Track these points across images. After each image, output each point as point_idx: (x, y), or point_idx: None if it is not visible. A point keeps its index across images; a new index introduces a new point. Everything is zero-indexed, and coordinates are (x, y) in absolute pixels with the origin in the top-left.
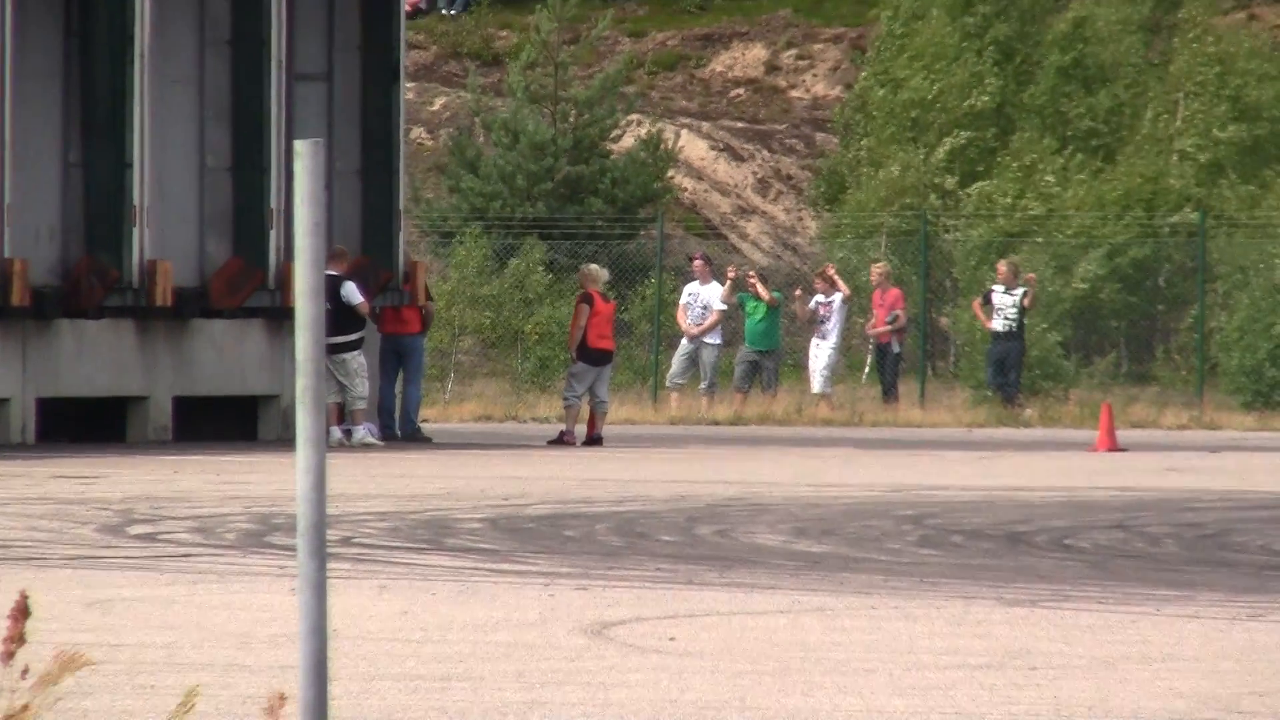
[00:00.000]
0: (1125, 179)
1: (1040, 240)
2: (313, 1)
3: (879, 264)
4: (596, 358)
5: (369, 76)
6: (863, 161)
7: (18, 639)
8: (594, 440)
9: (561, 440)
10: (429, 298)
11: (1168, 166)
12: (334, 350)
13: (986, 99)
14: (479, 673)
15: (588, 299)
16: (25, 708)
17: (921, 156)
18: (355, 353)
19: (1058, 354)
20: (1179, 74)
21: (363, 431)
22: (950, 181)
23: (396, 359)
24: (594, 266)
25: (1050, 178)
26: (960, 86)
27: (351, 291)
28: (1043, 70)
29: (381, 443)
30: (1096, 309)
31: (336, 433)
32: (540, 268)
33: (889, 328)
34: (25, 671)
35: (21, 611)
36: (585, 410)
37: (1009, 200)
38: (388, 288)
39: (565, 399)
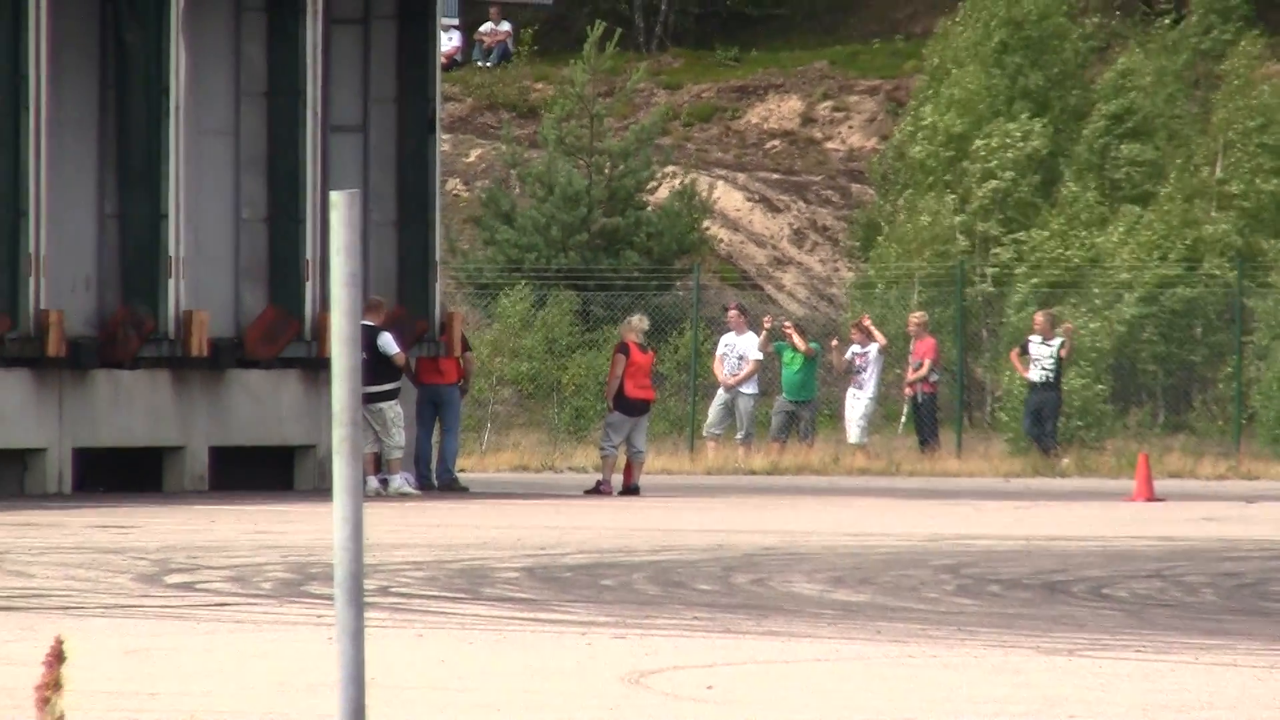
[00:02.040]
0: (1162, 225)
1: (1081, 291)
2: (348, 53)
3: (916, 314)
4: (633, 408)
5: (405, 128)
6: (899, 210)
7: (53, 685)
8: (631, 490)
9: (598, 490)
10: (467, 348)
11: (1207, 215)
12: (370, 400)
13: (1036, 144)
14: None
15: (624, 349)
16: None
17: (956, 200)
18: (392, 402)
19: (1099, 402)
20: (1220, 125)
21: (400, 481)
22: (991, 228)
23: (433, 409)
24: (635, 317)
25: (1090, 231)
26: (1005, 135)
27: (388, 342)
28: (1088, 120)
29: (418, 492)
30: (1134, 358)
31: (373, 482)
32: (569, 318)
33: (916, 376)
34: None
35: (56, 657)
36: (623, 460)
37: (1055, 250)
38: (424, 339)
39: (602, 449)
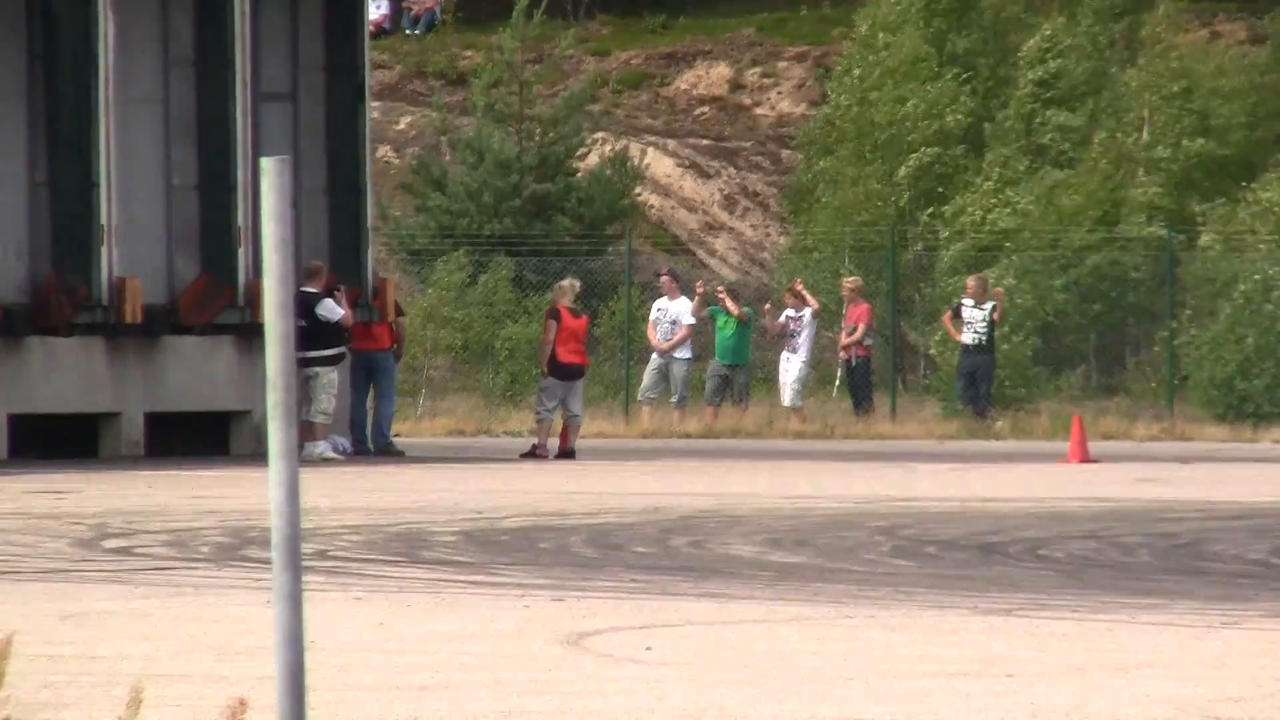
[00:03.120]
0: (1084, 187)
1: (1009, 255)
2: (276, 21)
3: (850, 279)
4: (566, 372)
5: (334, 96)
6: (828, 178)
7: None
8: (567, 454)
9: (534, 454)
10: (400, 313)
11: (1131, 179)
12: (308, 364)
13: (960, 118)
14: (456, 683)
15: (556, 314)
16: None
17: (885, 173)
18: (330, 368)
19: (1027, 363)
20: (1143, 89)
21: (324, 446)
22: (915, 196)
23: (367, 374)
24: (567, 281)
25: (1018, 195)
26: (932, 105)
27: (330, 308)
28: (1014, 87)
29: (341, 457)
30: (1065, 321)
31: (322, 445)
32: (508, 285)
33: (850, 340)
34: None
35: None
36: (559, 424)
37: (979, 217)
38: (357, 304)
39: (537, 413)
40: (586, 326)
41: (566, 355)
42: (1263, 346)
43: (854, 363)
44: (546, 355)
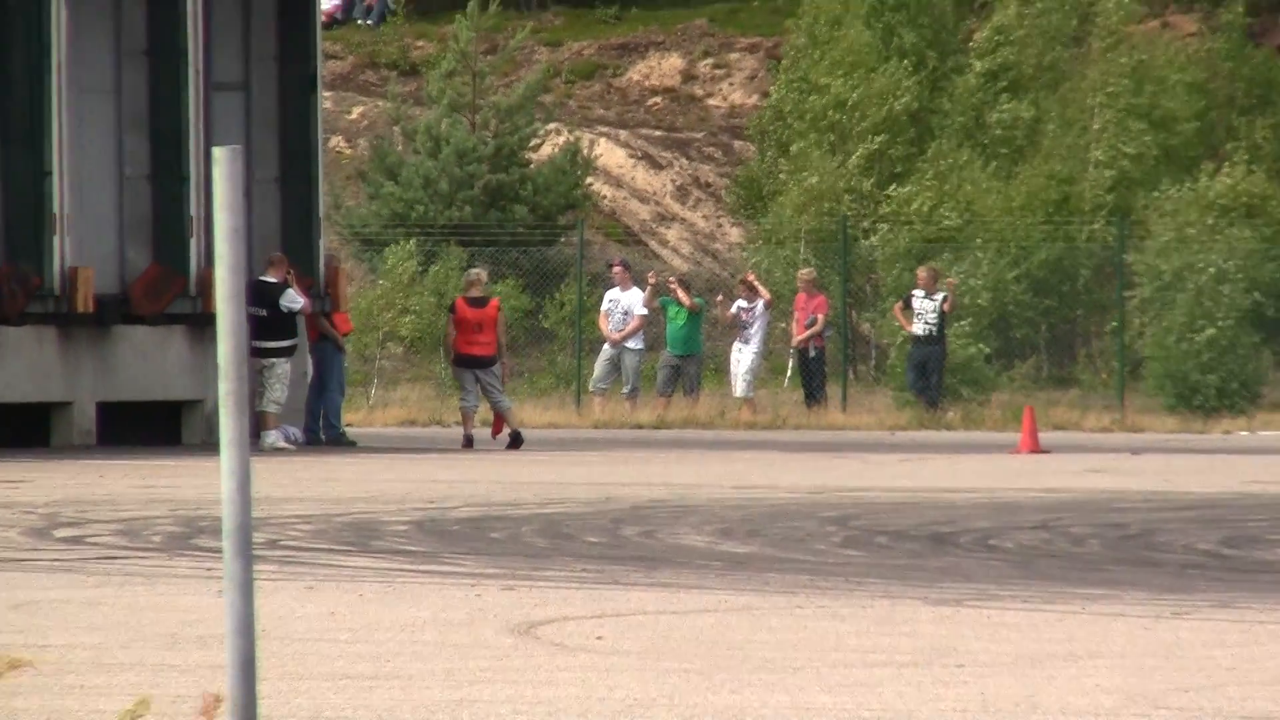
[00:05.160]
0: (1032, 181)
1: (958, 248)
2: (229, 12)
3: (805, 270)
4: (465, 362)
5: (286, 86)
6: (781, 169)
7: None
8: (513, 439)
9: (467, 443)
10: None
11: (1081, 173)
12: (266, 354)
13: (904, 102)
14: (407, 672)
15: (452, 307)
16: None
17: (838, 162)
18: (285, 359)
19: (979, 363)
20: (1093, 83)
21: (275, 435)
22: (867, 185)
23: (318, 365)
24: (470, 270)
25: (969, 186)
26: (879, 93)
27: (291, 298)
28: (962, 77)
29: (293, 447)
30: (1016, 313)
31: (274, 434)
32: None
33: (810, 332)
34: None
35: None
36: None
37: (925, 209)
38: (309, 294)
39: (459, 403)
40: (495, 315)
41: (464, 346)
42: (1217, 339)
43: (812, 354)
44: (447, 347)
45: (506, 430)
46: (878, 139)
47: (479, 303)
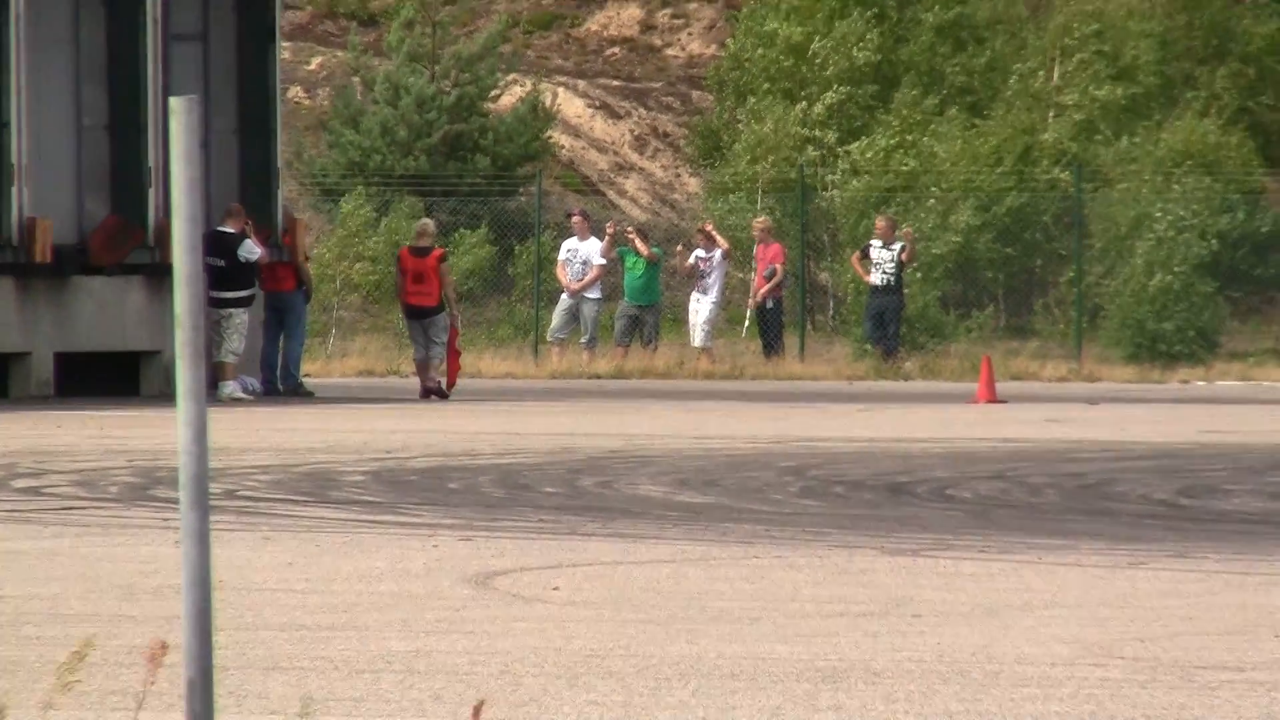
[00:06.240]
0: (998, 132)
1: (917, 196)
2: None
3: (760, 219)
4: (408, 311)
5: (245, 36)
6: (739, 119)
7: None
8: (433, 392)
9: (426, 393)
10: (305, 258)
11: (1043, 122)
12: (224, 304)
13: (866, 54)
14: (364, 622)
15: (398, 257)
16: None
17: (800, 110)
18: (243, 309)
19: (935, 310)
20: (1056, 31)
21: (232, 386)
22: (830, 136)
23: (277, 315)
24: (422, 220)
25: (927, 138)
26: (840, 41)
27: (249, 248)
28: (921, 28)
29: (250, 397)
30: (974, 263)
31: (231, 385)
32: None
33: (770, 285)
34: None
35: None
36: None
37: (881, 156)
38: (267, 244)
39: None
40: (434, 265)
41: (407, 296)
42: (1171, 285)
43: (769, 304)
44: (400, 298)
45: (434, 380)
46: (841, 89)
47: (421, 252)
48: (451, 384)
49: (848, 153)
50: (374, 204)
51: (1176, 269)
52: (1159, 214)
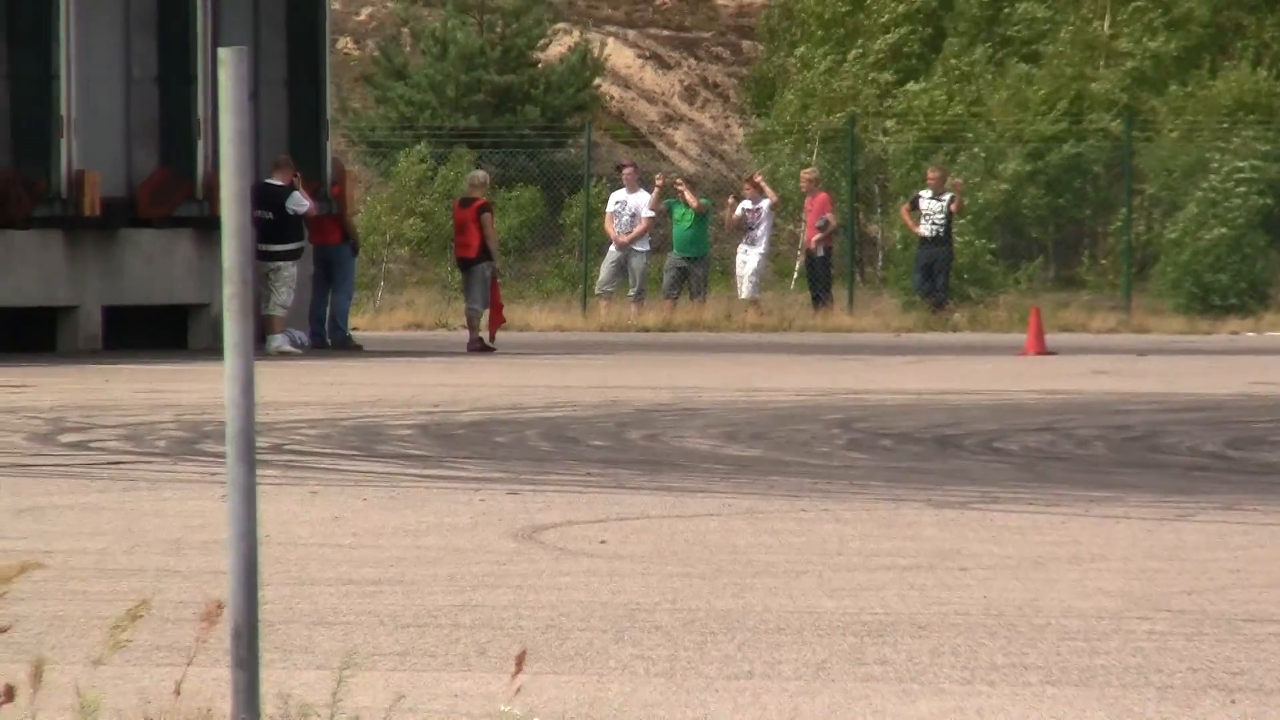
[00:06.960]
0: (1050, 80)
1: (965, 145)
2: None
3: (808, 169)
4: (458, 264)
5: None
6: (791, 68)
7: None
8: (478, 345)
9: (477, 347)
10: (355, 211)
11: (1095, 71)
12: (271, 258)
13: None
14: (410, 577)
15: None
16: None
17: (855, 54)
18: (291, 262)
19: (987, 260)
20: None
21: (281, 340)
22: (886, 78)
23: (325, 268)
24: (473, 172)
25: (980, 84)
26: None
27: (297, 200)
28: None
29: (299, 350)
30: (1022, 214)
31: (283, 341)
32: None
33: (820, 235)
34: None
35: None
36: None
37: (932, 105)
38: (315, 197)
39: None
40: (474, 216)
41: (456, 248)
42: (1229, 238)
43: (820, 253)
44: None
45: (477, 339)
46: (899, 31)
47: (466, 203)
48: (493, 335)
49: (906, 92)
50: (430, 160)
51: (1232, 220)
52: (1215, 164)
